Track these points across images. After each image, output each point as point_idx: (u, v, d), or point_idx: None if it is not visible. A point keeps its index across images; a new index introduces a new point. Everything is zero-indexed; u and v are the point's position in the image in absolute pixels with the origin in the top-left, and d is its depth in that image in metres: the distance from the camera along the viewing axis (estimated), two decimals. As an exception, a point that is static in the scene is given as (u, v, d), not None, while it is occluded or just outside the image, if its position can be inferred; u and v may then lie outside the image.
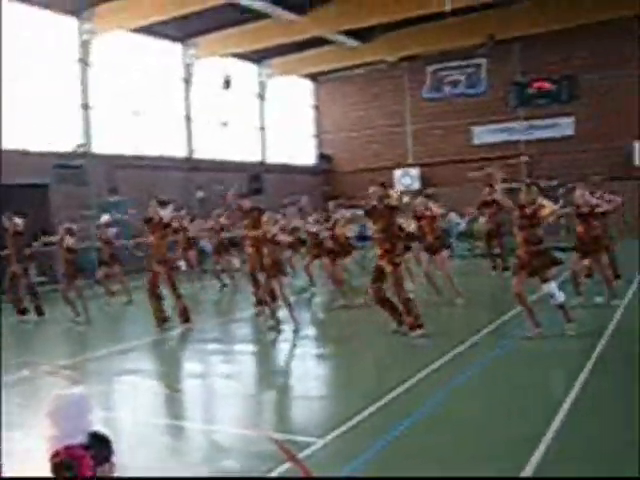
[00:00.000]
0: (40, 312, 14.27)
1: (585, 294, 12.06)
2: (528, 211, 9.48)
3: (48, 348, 11.66)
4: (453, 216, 24.61)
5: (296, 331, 11.05)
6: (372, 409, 6.61)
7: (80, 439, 2.32)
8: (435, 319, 11.07)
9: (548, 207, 9.54)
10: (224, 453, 5.98)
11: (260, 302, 12.42)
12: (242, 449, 6.06)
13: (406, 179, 31.57)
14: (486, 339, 9.72)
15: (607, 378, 7.46)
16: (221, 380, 8.80)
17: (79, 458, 2.30)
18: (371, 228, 10.84)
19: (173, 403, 7.73)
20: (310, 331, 11.75)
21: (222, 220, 17.54)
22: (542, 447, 5.38)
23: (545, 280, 9.40)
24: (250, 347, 10.74)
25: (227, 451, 6.04)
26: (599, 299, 11.96)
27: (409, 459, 5.43)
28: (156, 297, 12.10)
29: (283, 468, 5.29)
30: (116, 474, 2.44)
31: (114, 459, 2.45)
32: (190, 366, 9.76)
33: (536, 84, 28.94)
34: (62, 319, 13.56)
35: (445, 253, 13.15)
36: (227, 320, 13.31)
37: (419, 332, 9.93)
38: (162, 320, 12.06)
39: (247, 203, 13.01)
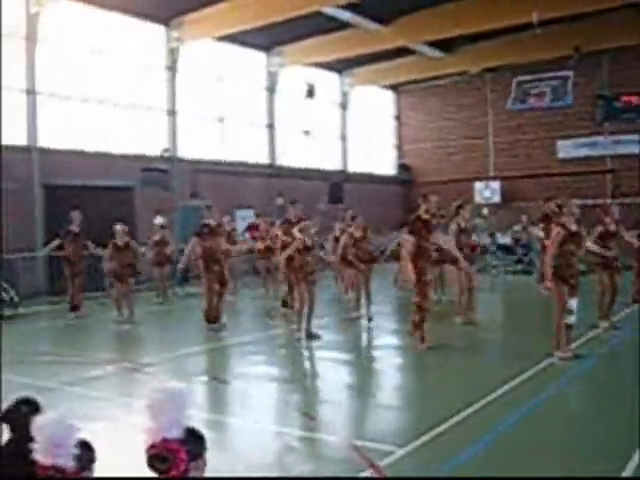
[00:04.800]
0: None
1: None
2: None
3: (125, 347, 11.91)
4: (535, 231, 24.13)
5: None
6: (453, 421, 6.53)
7: (177, 433, 2.35)
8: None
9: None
10: (301, 457, 6.00)
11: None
12: (321, 454, 6.07)
13: (486, 192, 31.18)
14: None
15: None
16: (298, 384, 8.82)
17: (175, 452, 2.32)
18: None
19: (250, 405, 7.77)
20: (387, 340, 11.72)
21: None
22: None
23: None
24: (327, 353, 10.72)
25: (305, 455, 6.06)
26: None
27: (491, 473, 5.33)
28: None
29: (361, 476, 5.26)
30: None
31: (206, 456, 2.48)
32: (266, 369, 9.81)
33: (624, 98, 28.19)
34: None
35: None
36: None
37: None
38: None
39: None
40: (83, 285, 14.98)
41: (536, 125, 30.30)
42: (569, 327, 9.13)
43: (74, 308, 14.57)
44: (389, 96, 34.62)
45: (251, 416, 7.29)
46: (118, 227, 14.08)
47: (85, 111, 20.22)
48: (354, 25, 23.62)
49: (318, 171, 28.67)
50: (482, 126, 32.34)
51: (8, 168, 17.11)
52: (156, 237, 17.04)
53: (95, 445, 2.59)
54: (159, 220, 17.58)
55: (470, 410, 6.87)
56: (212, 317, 12.43)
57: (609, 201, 24.87)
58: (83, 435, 2.47)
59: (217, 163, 24.04)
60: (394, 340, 11.84)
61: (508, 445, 5.98)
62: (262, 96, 26.80)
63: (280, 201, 25.48)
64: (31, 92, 18.57)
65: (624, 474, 5.14)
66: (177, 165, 22.43)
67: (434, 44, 26.34)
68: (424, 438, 6.04)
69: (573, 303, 9.01)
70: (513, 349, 10.31)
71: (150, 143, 21.95)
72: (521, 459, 5.64)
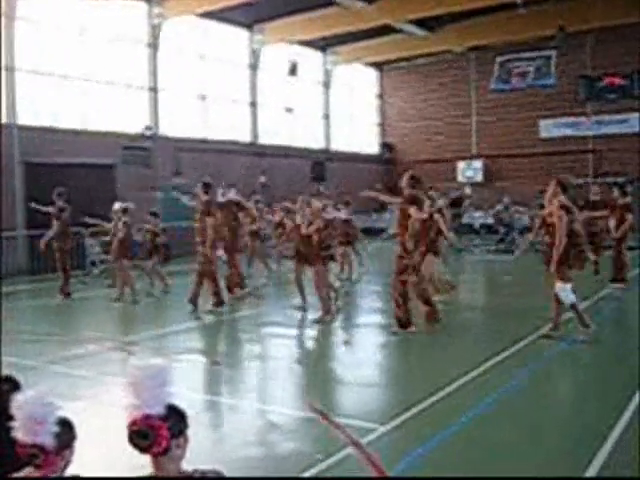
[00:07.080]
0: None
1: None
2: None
3: (107, 325, 11.86)
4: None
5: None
6: (435, 398, 6.57)
7: (158, 410, 2.34)
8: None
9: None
10: (284, 434, 6.00)
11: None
12: (301, 431, 6.09)
13: (469, 171, 31.25)
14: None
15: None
16: (279, 362, 8.83)
17: (156, 428, 2.32)
18: None
19: (231, 382, 7.82)
20: (367, 319, 11.75)
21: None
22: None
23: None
24: (309, 331, 10.74)
25: (287, 432, 6.06)
26: None
27: (470, 451, 5.38)
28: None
29: (344, 453, 5.28)
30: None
31: (188, 433, 2.47)
32: (248, 348, 9.84)
33: (607, 78, 28.23)
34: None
35: None
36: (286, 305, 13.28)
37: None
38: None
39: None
40: (69, 270, 14.19)
41: (519, 104, 30.33)
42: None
43: (68, 294, 14.11)
44: (372, 74, 34.51)
45: (235, 394, 7.33)
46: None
47: (66, 88, 20.00)
48: (338, 3, 23.46)
49: (301, 149, 28.60)
50: (465, 105, 32.34)
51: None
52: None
53: (76, 423, 2.57)
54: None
55: (452, 387, 6.92)
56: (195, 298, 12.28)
57: (590, 180, 24.98)
58: (63, 413, 2.45)
59: (199, 141, 23.91)
60: (376, 319, 11.87)
61: (489, 423, 6.02)
62: (245, 74, 26.62)
63: (263, 179, 25.47)
64: (10, 69, 18.33)
65: (602, 451, 5.20)
66: (159, 143, 22.28)
67: (418, 23, 26.24)
68: (405, 415, 6.08)
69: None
70: (494, 329, 10.38)
71: (132, 121, 21.77)
72: (501, 438, 5.70)
